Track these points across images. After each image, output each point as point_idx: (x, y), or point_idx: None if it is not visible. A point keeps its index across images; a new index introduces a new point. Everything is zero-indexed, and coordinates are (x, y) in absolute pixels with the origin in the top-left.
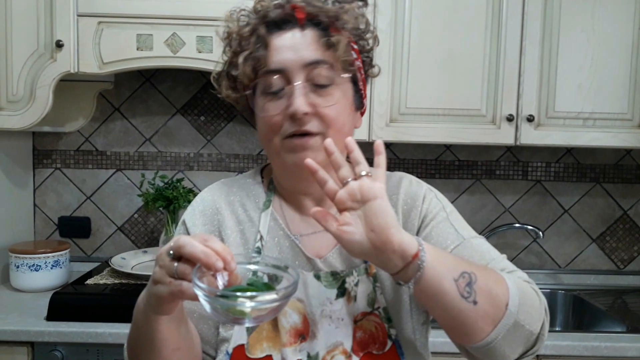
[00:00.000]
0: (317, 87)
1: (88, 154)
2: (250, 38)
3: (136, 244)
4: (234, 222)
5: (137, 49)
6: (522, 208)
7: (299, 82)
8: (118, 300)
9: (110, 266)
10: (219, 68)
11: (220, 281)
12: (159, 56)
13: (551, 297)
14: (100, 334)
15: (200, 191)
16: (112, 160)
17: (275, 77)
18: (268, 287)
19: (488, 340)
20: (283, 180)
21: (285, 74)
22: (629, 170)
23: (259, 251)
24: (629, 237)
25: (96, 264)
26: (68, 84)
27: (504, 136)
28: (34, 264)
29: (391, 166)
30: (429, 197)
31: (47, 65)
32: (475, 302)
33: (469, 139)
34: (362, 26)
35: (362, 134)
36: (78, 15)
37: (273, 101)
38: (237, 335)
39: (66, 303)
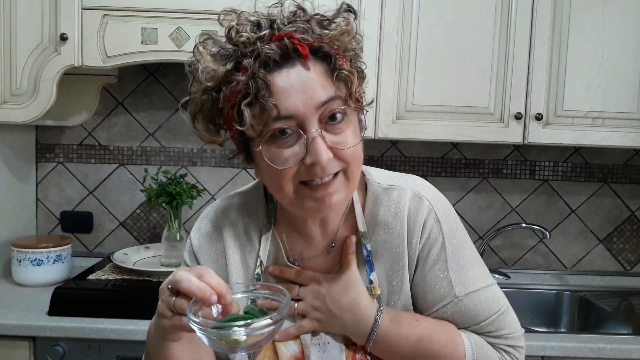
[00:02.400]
0: (332, 121)
1: (91, 148)
2: (249, 82)
3: (138, 240)
4: (236, 247)
5: (142, 43)
6: (529, 208)
7: (316, 129)
8: (120, 296)
9: (112, 262)
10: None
11: (215, 312)
12: (163, 50)
13: (557, 298)
14: (102, 330)
15: (203, 187)
16: (115, 155)
17: (287, 122)
18: (264, 314)
19: None
20: (291, 215)
21: (297, 118)
22: (638, 170)
23: (258, 278)
24: (636, 239)
25: (98, 259)
26: (71, 77)
27: (511, 135)
28: (36, 259)
29: (397, 164)
30: (429, 225)
31: (51, 58)
32: None
33: (476, 137)
34: (355, 44)
35: (367, 131)
36: (82, 9)
37: (284, 148)
38: None
39: (68, 298)
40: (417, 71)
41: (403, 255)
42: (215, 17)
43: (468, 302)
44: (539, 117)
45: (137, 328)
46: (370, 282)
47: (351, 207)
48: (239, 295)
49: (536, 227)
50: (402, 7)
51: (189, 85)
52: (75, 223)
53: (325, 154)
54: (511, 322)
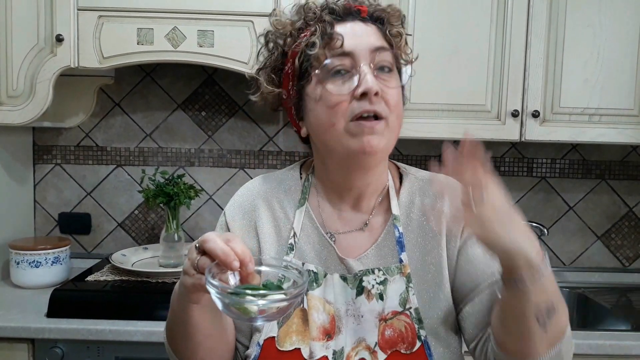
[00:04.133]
0: (380, 71)
1: (88, 149)
2: (317, 24)
3: (137, 241)
4: (270, 218)
5: (138, 44)
6: (527, 205)
7: (367, 64)
8: (118, 297)
9: (110, 263)
10: (253, 71)
11: (232, 280)
12: (159, 50)
13: None
14: (100, 331)
15: (201, 187)
16: (112, 156)
17: (343, 60)
18: (280, 288)
19: None
20: (332, 173)
21: (353, 57)
22: (635, 166)
23: (292, 248)
24: (635, 235)
25: (96, 261)
26: (68, 78)
27: (508, 132)
28: (34, 260)
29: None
30: None
31: (47, 59)
32: (545, 330)
33: (474, 135)
34: (403, 34)
35: None
36: (78, 9)
37: (337, 85)
38: (268, 327)
39: (67, 300)
40: (414, 69)
41: (441, 238)
42: (211, 17)
43: None
44: (535, 114)
45: (135, 329)
46: (400, 260)
47: (386, 191)
48: (263, 269)
49: (534, 224)
50: (398, 4)
51: (257, 53)
52: (74, 224)
53: (375, 84)
54: None
